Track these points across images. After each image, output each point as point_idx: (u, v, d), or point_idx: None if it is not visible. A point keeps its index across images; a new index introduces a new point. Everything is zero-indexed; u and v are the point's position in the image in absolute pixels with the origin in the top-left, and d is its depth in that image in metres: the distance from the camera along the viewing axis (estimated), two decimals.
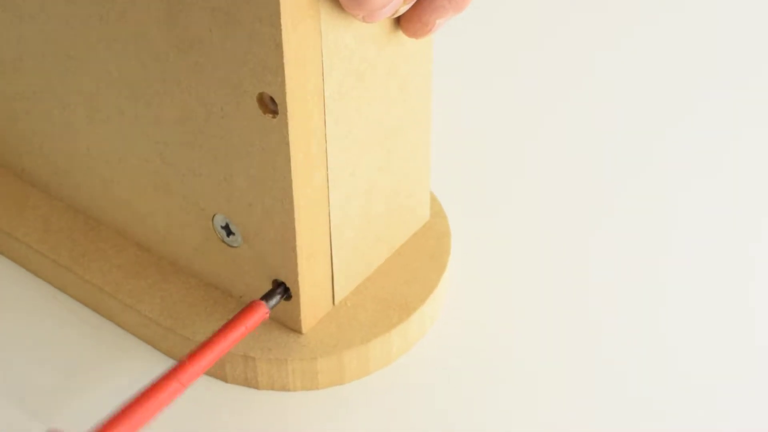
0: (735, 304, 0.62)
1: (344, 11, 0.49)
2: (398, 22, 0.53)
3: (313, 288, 0.56)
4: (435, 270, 0.60)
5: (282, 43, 0.47)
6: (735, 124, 0.74)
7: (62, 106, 0.59)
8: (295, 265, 0.54)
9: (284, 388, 0.57)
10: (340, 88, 0.51)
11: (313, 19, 0.48)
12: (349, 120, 0.53)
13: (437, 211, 0.63)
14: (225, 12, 0.48)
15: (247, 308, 0.54)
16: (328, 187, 0.53)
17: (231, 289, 0.58)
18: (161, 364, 0.57)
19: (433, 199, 0.64)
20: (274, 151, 0.51)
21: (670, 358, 0.59)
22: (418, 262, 0.60)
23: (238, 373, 0.57)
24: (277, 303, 0.55)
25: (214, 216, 0.56)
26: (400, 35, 0.53)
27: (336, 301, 0.58)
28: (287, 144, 0.50)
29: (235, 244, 0.56)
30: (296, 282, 0.54)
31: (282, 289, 0.55)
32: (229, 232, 0.56)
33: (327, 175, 0.53)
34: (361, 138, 0.54)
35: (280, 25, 0.46)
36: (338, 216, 0.55)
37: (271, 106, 0.50)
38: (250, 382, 0.57)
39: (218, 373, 0.57)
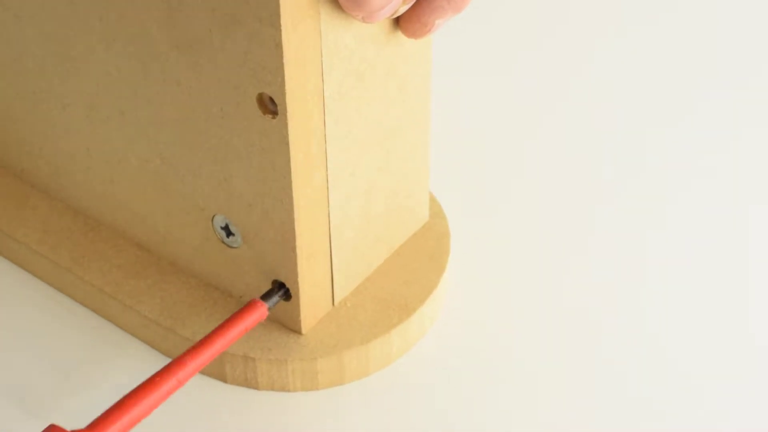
0: (735, 304, 0.62)
1: (344, 12, 0.49)
2: (397, 22, 0.53)
3: (312, 288, 0.56)
4: (434, 270, 0.60)
5: (282, 43, 0.47)
6: (735, 124, 0.74)
7: (62, 106, 0.59)
8: (295, 265, 0.54)
9: (284, 389, 0.57)
10: (339, 88, 0.51)
11: (313, 19, 0.48)
12: (348, 120, 0.53)
13: (437, 212, 0.63)
14: (225, 12, 0.48)
15: (246, 307, 0.54)
16: (327, 187, 0.53)
17: (231, 289, 0.58)
18: (161, 364, 0.57)
19: (433, 200, 0.64)
20: (273, 152, 0.51)
21: (670, 358, 0.59)
22: (418, 262, 0.61)
23: (238, 373, 0.57)
24: (277, 302, 0.55)
25: (213, 217, 0.56)
26: (400, 36, 0.53)
27: (336, 302, 0.58)
28: (287, 144, 0.50)
29: (234, 245, 0.56)
30: (296, 282, 0.54)
31: (283, 292, 0.55)
32: (229, 233, 0.56)
33: (327, 175, 0.53)
34: (361, 138, 0.54)
35: (280, 25, 0.46)
36: (338, 216, 0.55)
37: (270, 106, 0.50)
38: (250, 382, 0.57)
39: (218, 373, 0.57)
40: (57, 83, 0.58)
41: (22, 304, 0.62)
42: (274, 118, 0.49)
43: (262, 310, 0.54)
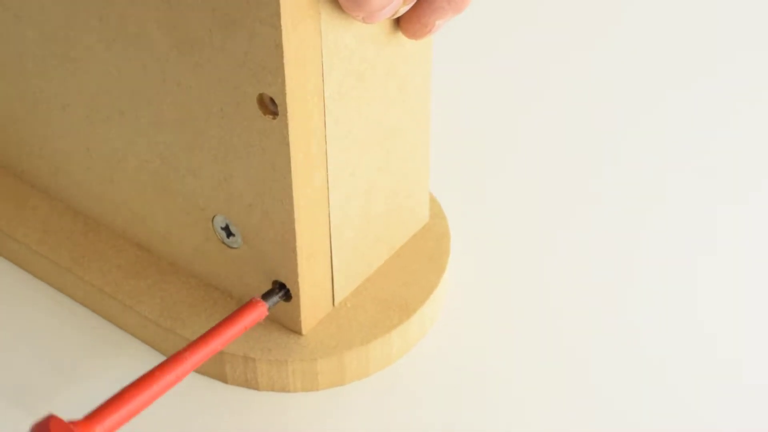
0: (734, 303, 0.62)
1: (344, 12, 0.49)
2: (398, 22, 0.53)
3: (313, 288, 0.56)
4: (435, 271, 0.60)
5: (282, 43, 0.47)
6: (734, 124, 0.74)
7: (62, 106, 0.59)
8: (295, 265, 0.54)
9: (284, 389, 0.57)
10: (339, 88, 0.51)
11: (313, 20, 0.48)
12: (348, 120, 0.53)
13: (437, 213, 0.63)
14: (225, 13, 0.48)
15: (246, 306, 0.54)
16: (327, 187, 0.53)
17: (231, 289, 0.58)
18: None
19: (433, 201, 0.64)
20: (274, 152, 0.51)
21: (670, 357, 0.59)
22: (418, 263, 0.61)
23: (239, 374, 0.57)
24: (276, 302, 0.55)
25: (214, 217, 0.56)
26: (400, 36, 0.53)
27: (336, 302, 0.58)
28: (287, 144, 0.50)
29: (235, 246, 0.56)
30: (296, 283, 0.54)
31: (283, 292, 0.55)
32: (229, 234, 0.56)
33: (327, 175, 0.53)
34: (361, 138, 0.54)
35: (280, 25, 0.46)
36: (338, 216, 0.55)
37: (271, 106, 0.50)
38: (250, 383, 0.57)
39: (218, 374, 0.57)
40: (57, 83, 0.58)
41: (22, 304, 0.62)
42: (274, 118, 0.49)
43: (261, 309, 0.54)
